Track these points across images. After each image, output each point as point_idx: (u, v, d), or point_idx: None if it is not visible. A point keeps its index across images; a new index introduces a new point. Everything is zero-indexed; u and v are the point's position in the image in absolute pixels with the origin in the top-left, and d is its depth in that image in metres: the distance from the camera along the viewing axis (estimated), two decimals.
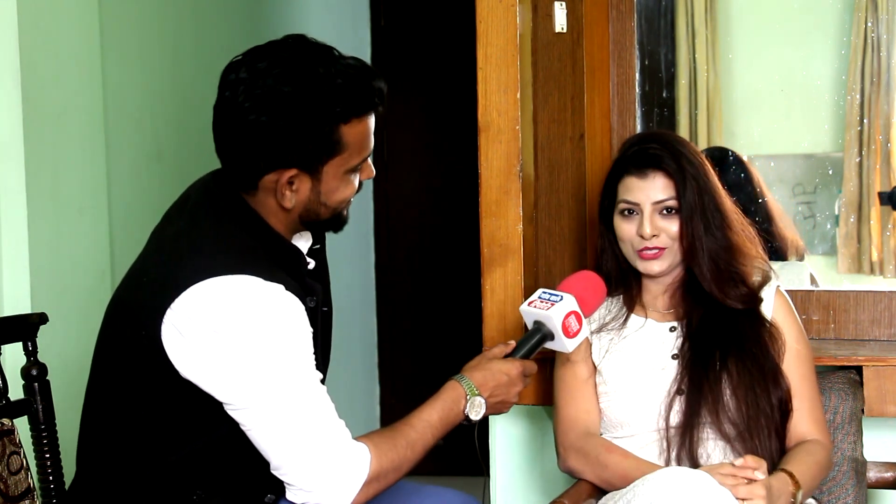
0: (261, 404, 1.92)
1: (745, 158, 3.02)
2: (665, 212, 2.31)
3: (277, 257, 2.02)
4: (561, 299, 2.22)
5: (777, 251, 2.93)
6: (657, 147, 2.33)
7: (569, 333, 2.22)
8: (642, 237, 2.32)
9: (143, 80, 3.39)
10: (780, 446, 2.29)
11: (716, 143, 3.19)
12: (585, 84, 2.81)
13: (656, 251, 2.32)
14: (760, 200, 2.97)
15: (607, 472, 2.28)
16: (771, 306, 2.37)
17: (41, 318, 2.28)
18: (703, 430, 2.26)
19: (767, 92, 3.20)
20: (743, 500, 2.07)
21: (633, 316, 2.41)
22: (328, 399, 1.99)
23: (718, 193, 2.34)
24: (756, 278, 2.37)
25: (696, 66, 3.20)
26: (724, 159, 3.02)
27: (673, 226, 2.31)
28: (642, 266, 2.35)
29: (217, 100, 2.00)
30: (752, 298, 2.34)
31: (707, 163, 2.37)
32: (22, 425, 2.19)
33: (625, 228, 2.35)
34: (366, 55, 4.94)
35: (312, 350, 2.00)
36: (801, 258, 2.99)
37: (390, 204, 5.04)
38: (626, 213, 2.35)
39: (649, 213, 2.31)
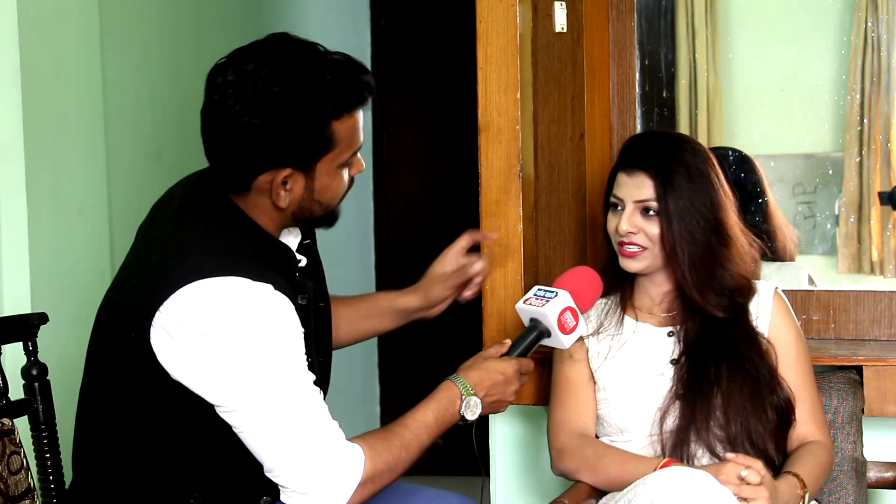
0: (252, 406, 1.92)
1: (749, 157, 3.01)
2: (647, 212, 2.32)
3: (266, 256, 2.01)
4: (556, 296, 2.22)
5: (775, 251, 2.93)
6: (649, 147, 2.34)
7: (565, 330, 2.22)
8: (619, 233, 2.33)
9: (143, 80, 3.39)
10: (778, 454, 2.29)
11: (716, 143, 3.18)
12: (585, 84, 2.81)
13: (635, 249, 2.33)
14: (760, 200, 2.96)
15: (599, 477, 2.28)
16: (769, 309, 2.37)
17: (41, 318, 2.28)
18: (696, 435, 2.27)
19: (767, 92, 3.20)
20: (746, 499, 2.07)
21: (626, 318, 2.41)
22: (321, 400, 1.99)
23: (715, 201, 2.32)
24: (744, 285, 2.36)
25: (696, 66, 3.20)
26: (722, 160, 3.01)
27: (653, 228, 2.31)
28: (622, 262, 2.36)
29: (205, 103, 1.99)
30: (735, 308, 2.33)
31: (713, 168, 2.34)
32: (22, 425, 2.19)
33: (610, 222, 2.38)
34: (366, 55, 4.94)
35: (304, 350, 1.99)
36: (792, 259, 2.98)
37: (390, 204, 5.04)
38: (614, 207, 2.36)
39: (630, 211, 2.32)
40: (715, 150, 2.96)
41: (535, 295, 2.24)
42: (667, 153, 2.32)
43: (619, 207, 2.35)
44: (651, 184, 2.30)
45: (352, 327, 2.43)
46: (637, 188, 2.32)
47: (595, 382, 2.38)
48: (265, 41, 2.00)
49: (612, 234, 2.37)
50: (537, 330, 2.22)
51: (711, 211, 2.31)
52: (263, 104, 1.93)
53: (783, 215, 3.00)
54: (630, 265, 2.35)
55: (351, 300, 2.47)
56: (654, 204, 2.31)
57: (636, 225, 2.32)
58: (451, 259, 2.48)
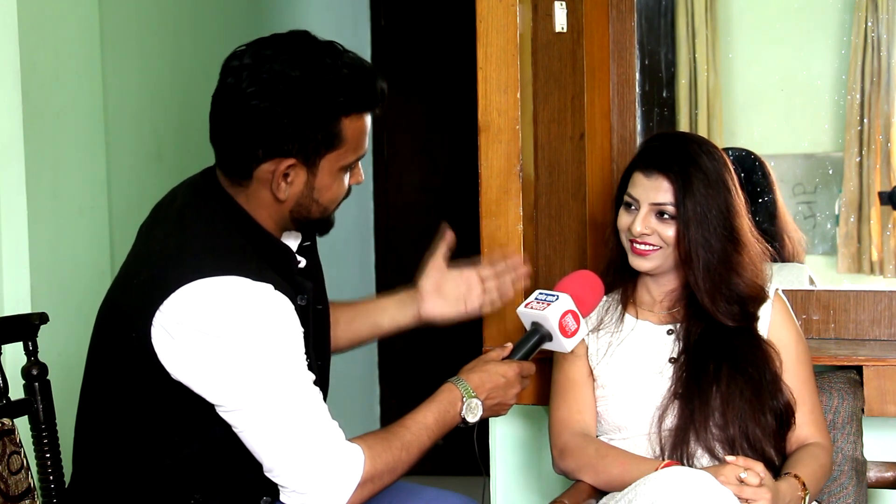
0: (251, 406, 1.92)
1: (761, 159, 3.00)
2: (662, 215, 2.31)
3: (267, 256, 2.01)
4: (557, 299, 2.22)
5: (783, 255, 2.92)
6: (669, 150, 2.33)
7: (566, 333, 2.21)
8: (632, 233, 2.33)
9: (143, 80, 3.39)
10: (778, 456, 2.29)
11: (715, 143, 3.18)
12: (585, 84, 2.81)
13: (647, 248, 2.33)
14: (762, 200, 2.96)
15: (601, 476, 2.28)
16: (769, 310, 2.37)
17: (41, 318, 2.28)
18: (694, 435, 2.27)
19: (767, 92, 3.20)
20: (748, 500, 2.07)
21: (626, 315, 2.41)
22: (321, 400, 1.99)
23: (732, 207, 2.31)
24: (756, 294, 2.36)
25: (696, 66, 3.20)
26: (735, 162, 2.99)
27: (668, 230, 2.31)
28: (632, 260, 2.36)
29: (218, 87, 1.99)
30: (745, 317, 2.32)
31: (730, 173, 2.33)
32: (22, 425, 2.19)
33: (623, 220, 2.37)
34: (366, 55, 4.94)
35: (304, 350, 1.99)
36: (799, 261, 2.98)
37: (390, 204, 5.03)
38: (628, 206, 2.35)
39: (645, 212, 2.32)
40: (726, 150, 2.95)
41: (536, 299, 2.24)
42: (686, 157, 2.31)
43: (634, 207, 2.34)
44: (669, 188, 2.30)
45: (350, 331, 2.43)
46: (654, 191, 2.31)
47: (594, 380, 2.38)
48: (286, 34, 2.01)
49: (622, 232, 2.37)
50: (539, 334, 2.22)
51: (728, 217, 2.30)
52: (278, 87, 1.92)
53: (792, 219, 3.00)
54: (641, 264, 2.35)
55: (350, 304, 2.45)
56: (671, 209, 2.30)
57: (650, 227, 2.31)
58: (435, 270, 2.44)
